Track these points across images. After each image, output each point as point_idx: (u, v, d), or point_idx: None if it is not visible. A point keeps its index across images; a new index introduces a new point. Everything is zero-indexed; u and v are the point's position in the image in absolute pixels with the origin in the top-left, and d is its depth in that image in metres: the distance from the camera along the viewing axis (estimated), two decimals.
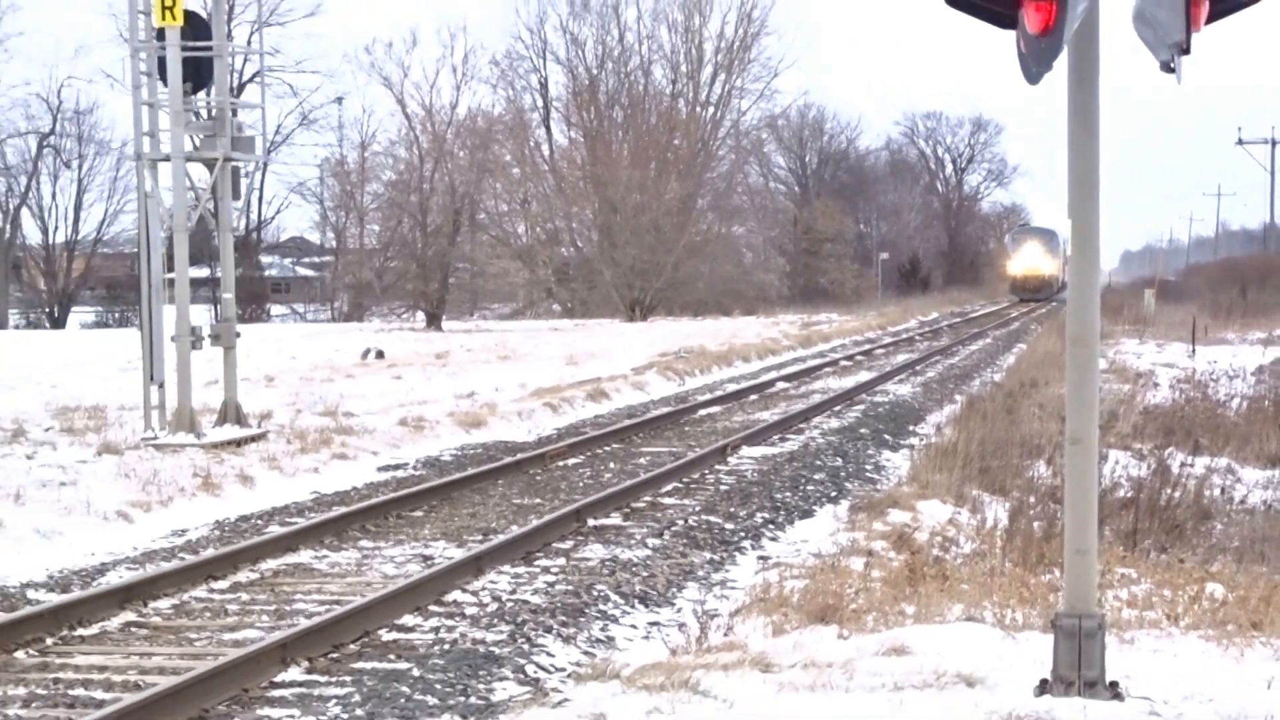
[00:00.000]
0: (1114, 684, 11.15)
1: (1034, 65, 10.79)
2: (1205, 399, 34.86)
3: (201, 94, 31.25)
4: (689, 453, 29.36)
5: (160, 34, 29.86)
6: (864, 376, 50.51)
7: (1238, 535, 20.39)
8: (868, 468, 28.58)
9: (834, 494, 25.19)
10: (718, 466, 28.10)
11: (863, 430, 34.76)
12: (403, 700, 12.80)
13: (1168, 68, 10.62)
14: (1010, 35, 10.89)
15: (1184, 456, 24.48)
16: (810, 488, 25.81)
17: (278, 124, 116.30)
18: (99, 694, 13.05)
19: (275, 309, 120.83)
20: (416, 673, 13.72)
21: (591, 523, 21.66)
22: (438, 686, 13.27)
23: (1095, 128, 11.24)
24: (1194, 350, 53.91)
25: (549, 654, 14.62)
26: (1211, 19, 10.69)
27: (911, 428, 35.40)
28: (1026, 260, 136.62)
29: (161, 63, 30.09)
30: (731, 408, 40.66)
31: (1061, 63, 10.91)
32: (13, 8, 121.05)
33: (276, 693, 13.21)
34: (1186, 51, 10.51)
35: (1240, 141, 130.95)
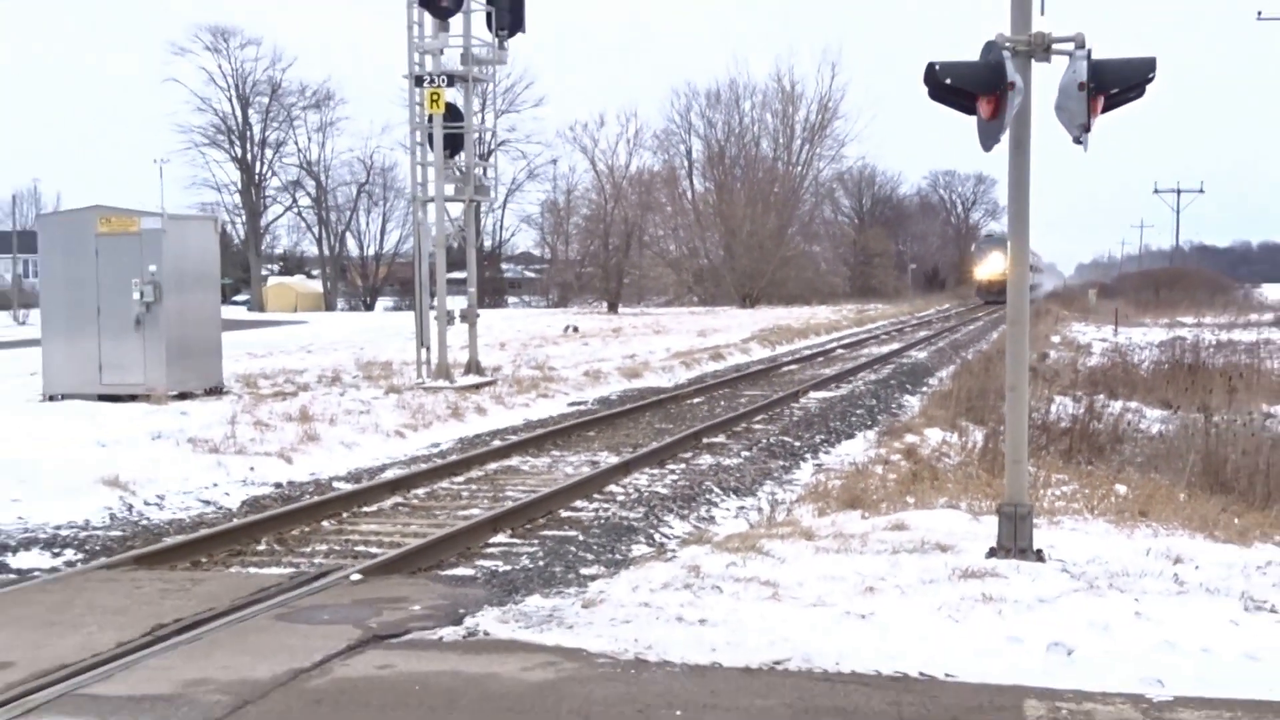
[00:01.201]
0: (1039, 551, 11.07)
1: (986, 139, 10.71)
2: (1123, 362, 34.35)
3: (457, 157, 31.48)
4: (774, 395, 29.35)
5: (430, 118, 30.08)
6: (895, 346, 50.48)
7: (1140, 454, 20.09)
8: (893, 406, 28.42)
9: (869, 423, 25.09)
10: (792, 404, 28.10)
11: (891, 381, 34.57)
12: (570, 555, 12.92)
13: (1078, 141, 10.50)
14: (971, 119, 10.82)
15: (1106, 400, 24.13)
16: (853, 419, 25.72)
17: (513, 176, 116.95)
18: (373, 549, 13.23)
19: (510, 298, 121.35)
20: (581, 538, 13.83)
21: (705, 441, 21.72)
22: (594, 546, 13.39)
23: (1027, 181, 11.10)
24: (1118, 330, 53.25)
25: (669, 527, 14.73)
26: (1105, 110, 10.57)
27: (925, 380, 35.14)
28: (991, 266, 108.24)
29: (431, 137, 30.35)
30: (805, 365, 40.65)
31: (1005, 138, 10.84)
32: (342, 101, 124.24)
33: (488, 550, 13.34)
34: (1088, 129, 10.40)
35: (1156, 190, 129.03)
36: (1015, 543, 11.06)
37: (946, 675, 8.36)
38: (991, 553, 11.05)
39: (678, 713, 7.73)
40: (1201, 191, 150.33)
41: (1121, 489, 15.14)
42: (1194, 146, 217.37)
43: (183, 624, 9.89)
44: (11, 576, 11.98)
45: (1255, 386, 28.06)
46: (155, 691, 8.23)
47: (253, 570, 12.35)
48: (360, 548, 13.39)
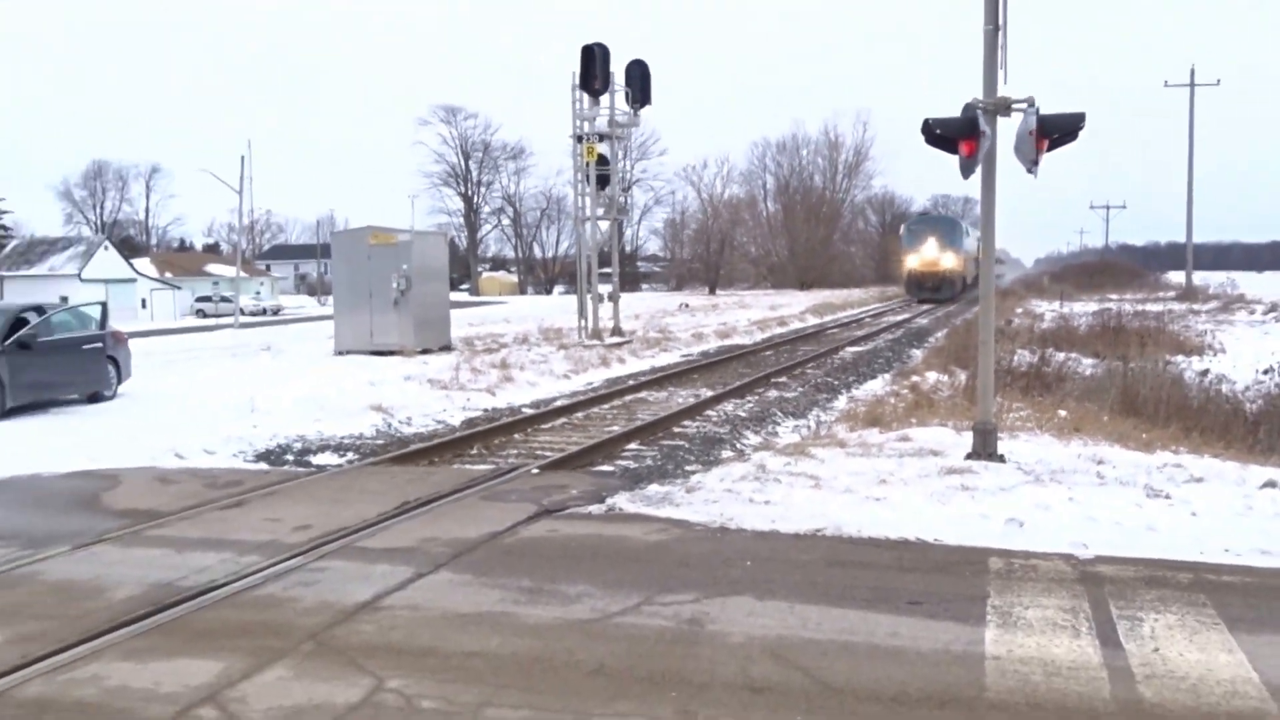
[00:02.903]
0: (1002, 455, 10.89)
1: (965, 171, 10.49)
2: (1066, 326, 33.54)
3: (605, 190, 31.44)
4: (821, 349, 29.01)
5: (587, 164, 30.07)
6: (905, 315, 49.59)
7: (1076, 389, 19.59)
8: (904, 356, 27.95)
9: (887, 369, 24.65)
10: (834, 356, 27.74)
11: (903, 340, 34.04)
12: (678, 457, 12.86)
13: (1030, 171, 10.26)
14: (955, 157, 10.60)
15: (1053, 352, 23.58)
16: (876, 365, 25.34)
17: (644, 202, 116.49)
18: (547, 453, 13.28)
19: (643, 285, 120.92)
20: (686, 445, 13.77)
21: (772, 380, 21.53)
22: (695, 451, 13.33)
23: (993, 199, 10.90)
24: (1063, 304, 51.93)
25: (746, 438, 14.61)
26: (1049, 149, 10.31)
27: (926, 339, 34.52)
28: (925, 254, 64.08)
29: (588, 177, 30.33)
30: (844, 328, 40.12)
31: (979, 170, 10.62)
32: (530, 153, 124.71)
33: (624, 453, 13.32)
34: (1037, 163, 10.16)
35: (1092, 206, 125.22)
36: (985, 450, 10.89)
37: (935, 540, 8.25)
38: (968, 456, 10.90)
39: (748, 562, 7.70)
40: (1124, 207, 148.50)
41: (1063, 413, 14.81)
42: (1121, 171, 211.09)
43: (421, 501, 10.03)
44: (313, 469, 12.22)
45: (1160, 342, 27.39)
46: (402, 545, 8.37)
47: (468, 466, 12.51)
48: (539, 452, 13.48)
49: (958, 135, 10.39)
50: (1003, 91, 10.58)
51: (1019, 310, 48.25)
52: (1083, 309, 47.45)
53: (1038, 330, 32.80)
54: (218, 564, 7.91)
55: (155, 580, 7.51)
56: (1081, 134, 10.37)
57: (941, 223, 69.39)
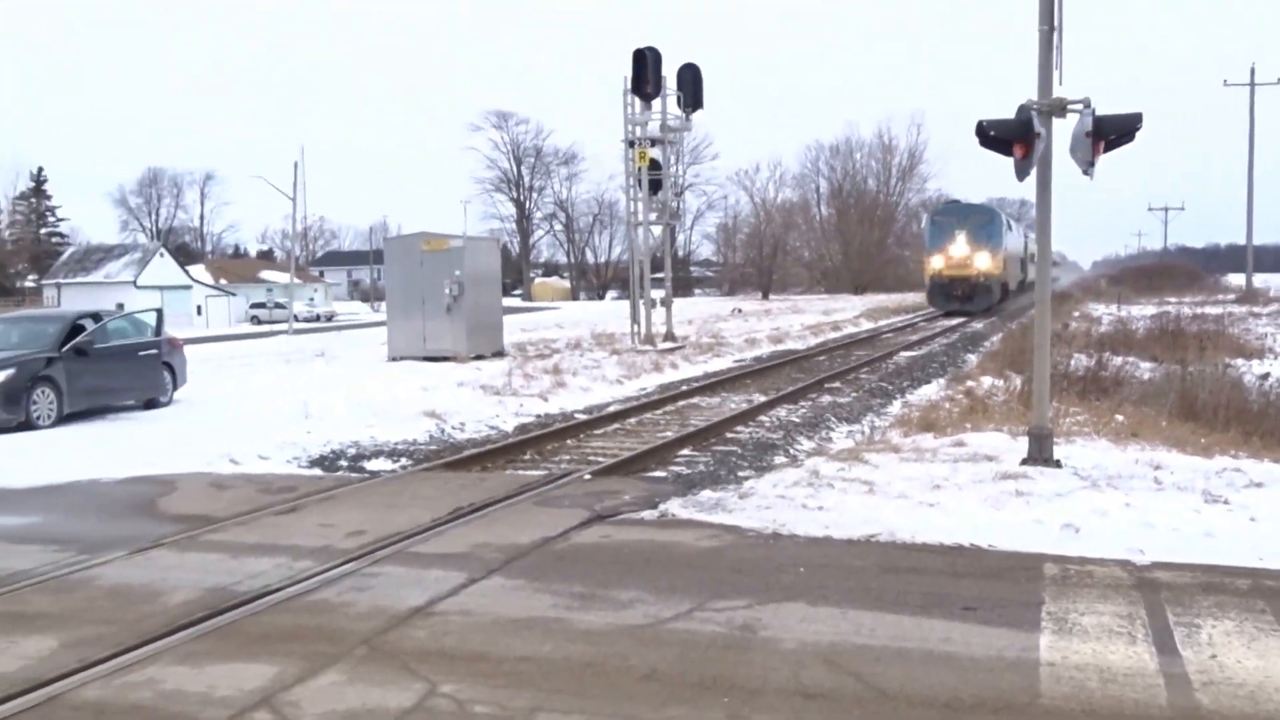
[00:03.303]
0: (1058, 461, 10.78)
1: (1020, 173, 10.41)
2: (1124, 329, 33.07)
3: (658, 195, 31.46)
4: (875, 354, 28.85)
5: (640, 169, 30.11)
6: (959, 320, 48.63)
7: (1134, 393, 19.31)
8: (958, 361, 27.70)
9: (941, 373, 24.43)
10: (888, 360, 27.56)
11: (957, 344, 33.73)
12: (730, 462, 12.84)
13: (1086, 172, 10.16)
14: (1010, 159, 10.51)
15: (1110, 355, 23.25)
16: (931, 370, 25.13)
17: (697, 207, 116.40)
18: (600, 458, 13.31)
19: (695, 290, 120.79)
20: (739, 451, 13.76)
21: (826, 386, 21.43)
22: (747, 457, 13.30)
23: (1049, 200, 10.79)
24: (1120, 307, 51.19)
25: (799, 444, 14.55)
26: (1106, 151, 10.20)
27: (981, 343, 34.21)
28: (953, 253, 49.30)
29: (640, 182, 30.36)
30: (898, 333, 39.73)
31: (1034, 172, 10.52)
32: (581, 158, 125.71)
33: (676, 459, 13.34)
34: (1094, 165, 10.05)
35: (1150, 208, 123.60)
36: (1040, 455, 10.78)
37: (989, 545, 8.18)
38: (1024, 462, 10.79)
39: (801, 568, 7.67)
40: (1183, 209, 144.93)
41: (1120, 418, 14.61)
42: (1179, 172, 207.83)
43: (474, 507, 10.09)
44: (366, 475, 12.34)
45: (1219, 346, 26.90)
46: (455, 550, 8.43)
47: (520, 472, 12.57)
48: (592, 457, 13.52)
49: (1012, 137, 10.32)
50: (1058, 92, 10.48)
51: (1075, 314, 47.67)
52: (1140, 312, 46.80)
53: (1094, 334, 32.44)
54: (272, 569, 8.02)
55: (211, 585, 7.63)
56: (1139, 134, 10.25)
57: (974, 213, 51.64)
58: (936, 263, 50.46)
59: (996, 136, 10.42)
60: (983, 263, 49.62)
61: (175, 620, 6.83)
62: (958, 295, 49.67)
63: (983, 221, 50.78)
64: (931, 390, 20.80)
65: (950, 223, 50.65)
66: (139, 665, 6.09)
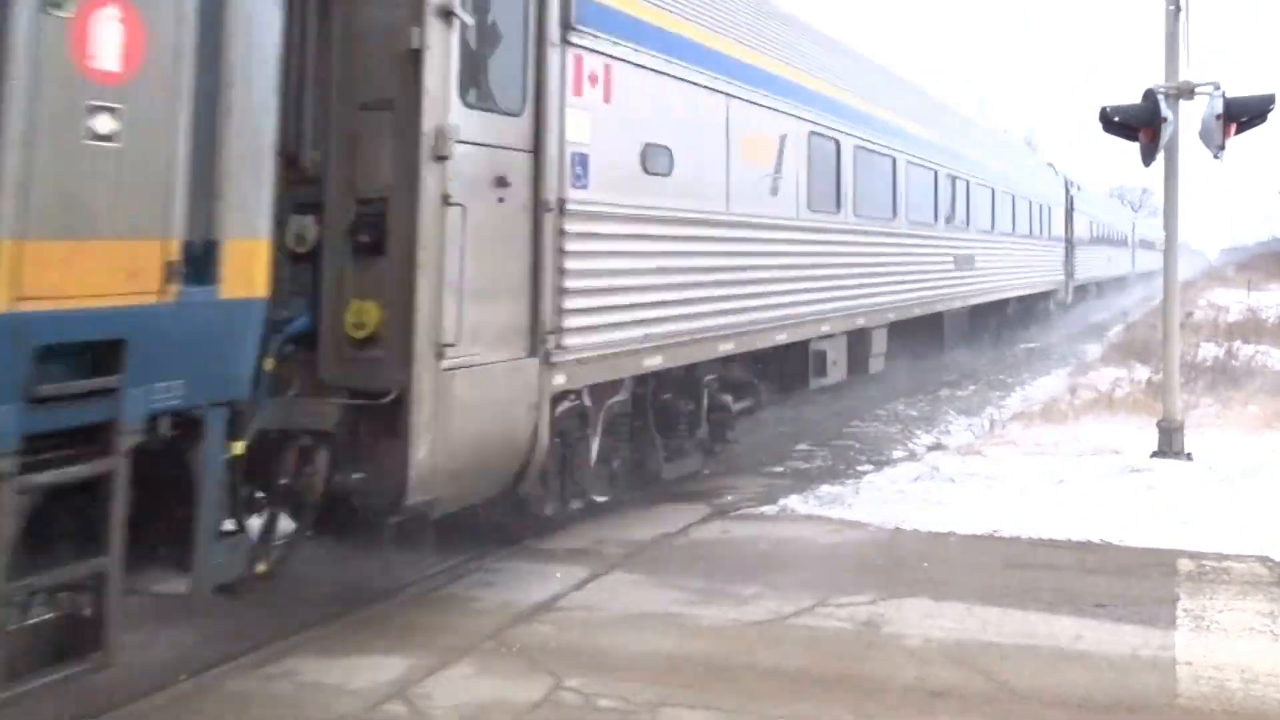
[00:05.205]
0: (1189, 453, 10.47)
1: (1146, 158, 10.14)
2: (1254, 316, 31.93)
3: None
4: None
5: None
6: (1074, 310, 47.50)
7: (1267, 384, 18.66)
8: (1079, 352, 27.05)
9: (1061, 365, 23.91)
10: (1006, 352, 27.00)
11: (1076, 335, 32.97)
12: (850, 456, 12.76)
13: (1216, 156, 9.89)
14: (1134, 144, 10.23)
15: (1240, 345, 22.47)
16: (1050, 361, 24.58)
17: None
18: None
19: None
20: (858, 445, 13.63)
21: (943, 379, 20.97)
22: (866, 451, 13.17)
23: (1176, 185, 10.51)
24: (1249, 293, 49.35)
25: (917, 438, 14.33)
26: (1236, 134, 9.89)
27: (1102, 334, 33.32)
28: None
29: None
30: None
31: (1161, 157, 10.24)
32: None
33: (794, 453, 13.21)
34: (1224, 149, 9.76)
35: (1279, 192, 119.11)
36: (1170, 448, 10.49)
37: (1119, 541, 7.99)
38: (1153, 455, 10.52)
39: (924, 564, 7.58)
40: None
41: (1253, 409, 14.12)
42: None
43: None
44: None
45: None
46: (576, 546, 8.49)
47: None
48: None
49: (1138, 122, 10.07)
50: (1184, 75, 10.17)
51: (1202, 301, 46.12)
52: (1271, 299, 45.05)
53: (1222, 323, 31.38)
54: (401, 564, 8.18)
55: (346, 580, 7.82)
56: (1271, 116, 9.91)
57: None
58: None
59: (1121, 122, 10.18)
60: None
61: (314, 614, 6.99)
62: None
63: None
64: (1052, 382, 20.32)
65: None
66: (278, 657, 6.23)
